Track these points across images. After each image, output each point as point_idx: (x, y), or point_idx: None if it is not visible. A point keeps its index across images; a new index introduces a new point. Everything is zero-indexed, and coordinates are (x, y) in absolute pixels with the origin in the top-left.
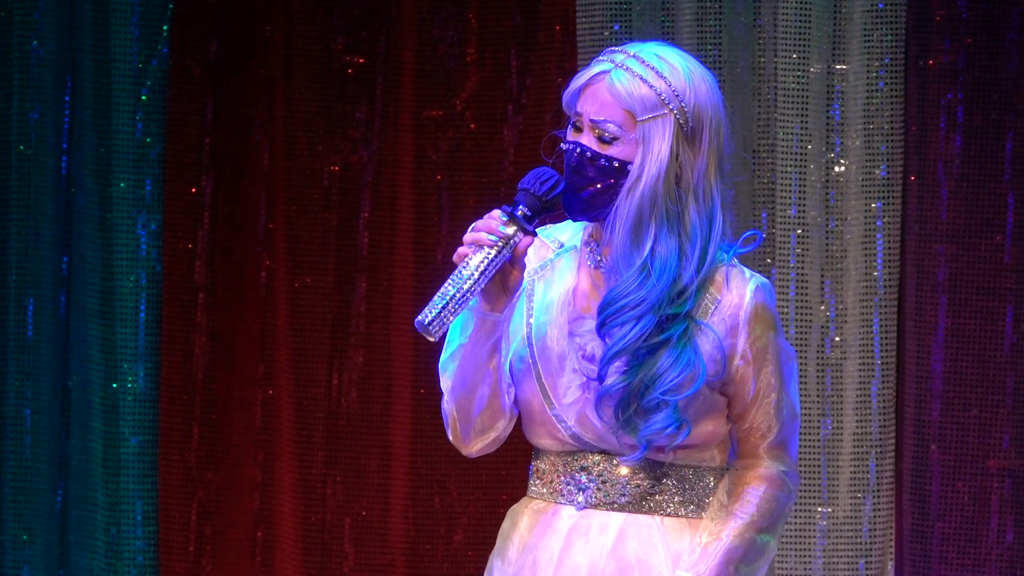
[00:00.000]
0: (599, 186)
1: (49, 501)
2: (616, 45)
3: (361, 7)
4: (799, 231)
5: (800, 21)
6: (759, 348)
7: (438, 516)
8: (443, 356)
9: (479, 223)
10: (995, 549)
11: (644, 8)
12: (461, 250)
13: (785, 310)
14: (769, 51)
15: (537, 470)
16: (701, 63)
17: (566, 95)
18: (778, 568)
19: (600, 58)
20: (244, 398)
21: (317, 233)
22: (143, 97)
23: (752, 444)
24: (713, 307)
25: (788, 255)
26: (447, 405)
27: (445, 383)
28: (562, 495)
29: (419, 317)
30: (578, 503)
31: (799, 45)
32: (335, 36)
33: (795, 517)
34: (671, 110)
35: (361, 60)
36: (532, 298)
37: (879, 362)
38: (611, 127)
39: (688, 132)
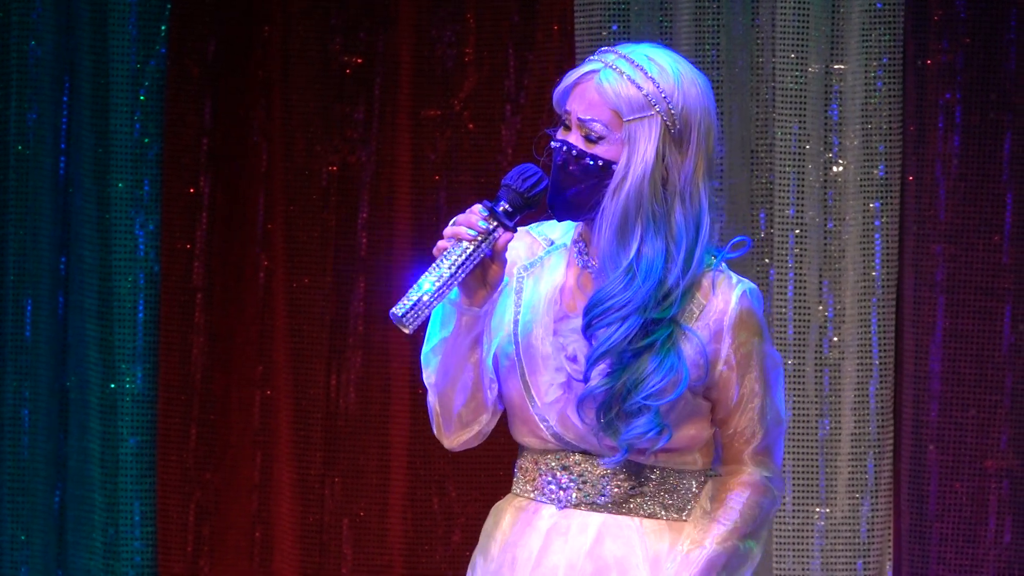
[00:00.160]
0: (583, 185)
1: (47, 502)
2: (610, 45)
3: (359, 7)
4: (797, 231)
5: (798, 21)
6: (743, 354)
7: (436, 517)
8: (424, 349)
9: (460, 217)
10: (993, 549)
11: (642, 8)
12: (440, 243)
13: (783, 310)
14: (767, 51)
15: (520, 468)
16: (695, 67)
17: (556, 93)
18: (776, 568)
19: (592, 58)
20: (242, 398)
21: (315, 233)
22: (141, 97)
23: (736, 450)
24: (699, 312)
25: (786, 255)
26: (431, 398)
27: (428, 377)
28: (543, 494)
29: (393, 309)
30: (559, 502)
31: (797, 45)
32: (333, 36)
33: (793, 517)
34: (658, 111)
35: (359, 60)
36: (521, 295)
37: (877, 362)
38: (597, 126)
39: (675, 134)
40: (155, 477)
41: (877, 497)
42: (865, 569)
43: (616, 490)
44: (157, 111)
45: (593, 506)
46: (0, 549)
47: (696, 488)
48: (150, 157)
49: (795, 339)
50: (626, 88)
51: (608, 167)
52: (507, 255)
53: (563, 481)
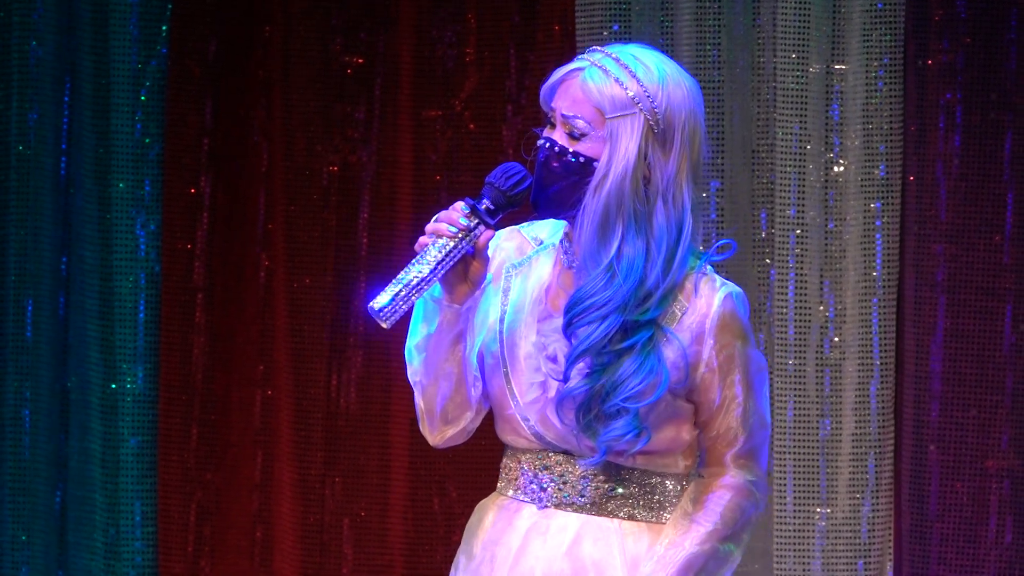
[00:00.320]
0: (565, 182)
1: (48, 502)
2: (600, 45)
3: (359, 7)
4: (798, 231)
5: (799, 21)
6: (725, 356)
7: (437, 517)
8: (408, 344)
9: (442, 214)
10: (994, 550)
11: (643, 8)
12: (422, 239)
13: (784, 310)
14: (768, 51)
15: (504, 466)
16: (685, 70)
17: (542, 91)
18: (777, 568)
19: (579, 56)
20: (243, 398)
21: (316, 233)
22: (142, 98)
23: (719, 452)
24: (681, 314)
25: (787, 255)
26: (416, 395)
27: (412, 374)
28: (525, 493)
29: (371, 303)
30: (539, 502)
31: (798, 45)
32: (334, 36)
33: (794, 518)
34: (641, 110)
35: (360, 60)
36: (508, 294)
37: (878, 362)
38: (580, 123)
39: (659, 134)
40: (156, 477)
41: (878, 497)
42: (866, 569)
43: (595, 491)
44: (158, 111)
45: (573, 507)
46: (1, 549)
47: (677, 491)
48: (151, 157)
49: (796, 339)
50: (610, 86)
51: (590, 164)
52: (497, 254)
53: (544, 481)
